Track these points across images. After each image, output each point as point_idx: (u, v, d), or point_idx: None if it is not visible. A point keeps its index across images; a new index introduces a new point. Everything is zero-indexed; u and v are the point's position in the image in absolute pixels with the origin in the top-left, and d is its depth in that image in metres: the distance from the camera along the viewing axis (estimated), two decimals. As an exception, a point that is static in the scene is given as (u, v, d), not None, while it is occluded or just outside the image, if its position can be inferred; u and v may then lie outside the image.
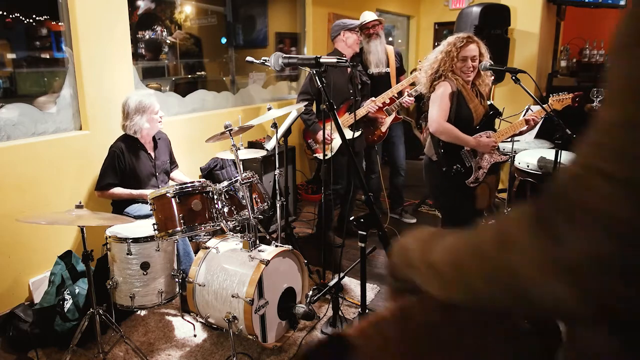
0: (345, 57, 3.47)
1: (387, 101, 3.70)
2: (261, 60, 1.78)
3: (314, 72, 1.47)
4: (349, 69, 3.52)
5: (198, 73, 4.40)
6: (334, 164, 3.46)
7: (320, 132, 3.51)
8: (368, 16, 3.89)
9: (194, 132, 3.71)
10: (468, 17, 4.09)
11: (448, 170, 2.65)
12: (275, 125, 3.01)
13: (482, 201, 3.87)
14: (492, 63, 2.62)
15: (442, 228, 2.68)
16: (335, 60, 1.48)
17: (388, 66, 3.95)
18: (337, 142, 3.51)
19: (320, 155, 3.64)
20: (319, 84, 1.47)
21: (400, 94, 3.80)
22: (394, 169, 4.23)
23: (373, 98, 3.66)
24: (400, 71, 4.10)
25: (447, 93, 2.55)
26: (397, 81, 4.02)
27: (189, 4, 4.21)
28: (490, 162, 2.69)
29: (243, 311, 2.23)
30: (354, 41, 3.53)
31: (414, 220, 4.30)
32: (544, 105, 2.37)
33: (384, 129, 3.90)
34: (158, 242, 2.39)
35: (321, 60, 1.45)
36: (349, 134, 3.44)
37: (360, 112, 3.58)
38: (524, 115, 3.03)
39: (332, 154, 3.56)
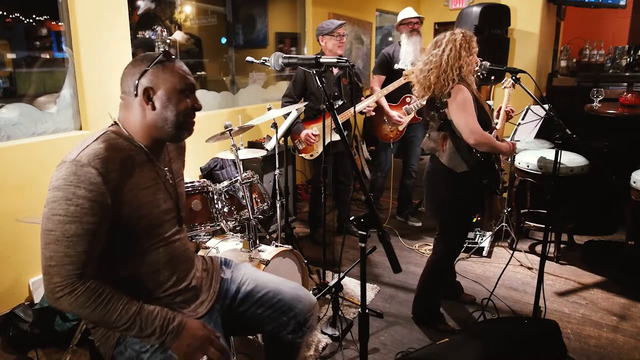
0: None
1: (369, 107, 3.63)
2: (261, 60, 1.76)
3: (314, 72, 1.47)
4: (334, 71, 3.51)
5: (198, 73, 4.40)
6: (318, 163, 3.53)
7: (303, 132, 3.53)
8: (409, 12, 3.85)
9: (194, 131, 3.70)
10: (468, 17, 4.09)
11: (489, 182, 2.35)
12: (275, 125, 3.01)
13: (498, 207, 3.86)
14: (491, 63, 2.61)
15: (442, 240, 2.56)
16: (335, 60, 1.48)
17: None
18: (320, 144, 3.57)
19: (305, 156, 3.66)
20: (319, 83, 1.47)
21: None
22: (406, 169, 4.20)
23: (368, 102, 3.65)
24: None
25: (469, 97, 2.26)
26: None
27: (189, 4, 4.21)
28: (502, 163, 2.59)
29: (243, 311, 2.22)
30: (334, 45, 3.45)
31: (420, 224, 4.24)
32: (544, 105, 2.36)
33: (401, 127, 3.92)
34: (158, 242, 2.39)
35: (321, 60, 1.45)
36: (334, 137, 3.45)
37: (345, 115, 3.56)
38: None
39: (317, 155, 3.59)
